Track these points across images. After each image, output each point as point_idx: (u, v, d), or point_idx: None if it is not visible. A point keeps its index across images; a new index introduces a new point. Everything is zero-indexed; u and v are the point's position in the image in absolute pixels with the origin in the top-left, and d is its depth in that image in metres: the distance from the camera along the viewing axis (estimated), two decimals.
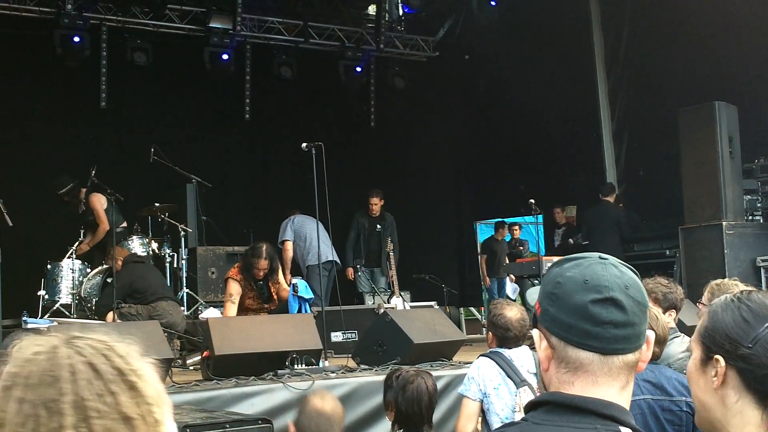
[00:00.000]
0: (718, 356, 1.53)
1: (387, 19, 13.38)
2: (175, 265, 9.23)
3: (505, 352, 4.28)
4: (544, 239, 12.11)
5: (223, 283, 7.73)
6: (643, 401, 3.17)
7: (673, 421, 3.19)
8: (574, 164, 12.31)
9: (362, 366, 6.05)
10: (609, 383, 1.42)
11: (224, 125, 12.44)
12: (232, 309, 7.19)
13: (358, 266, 10.43)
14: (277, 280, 7.50)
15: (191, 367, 6.38)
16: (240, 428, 4.04)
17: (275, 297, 7.46)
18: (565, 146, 12.27)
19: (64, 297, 8.51)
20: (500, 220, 12.84)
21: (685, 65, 10.26)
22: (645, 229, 10.64)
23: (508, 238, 12.81)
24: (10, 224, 7.31)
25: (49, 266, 8.60)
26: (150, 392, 1.08)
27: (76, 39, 10.76)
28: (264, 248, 7.30)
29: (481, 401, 4.22)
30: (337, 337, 7.22)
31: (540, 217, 9.82)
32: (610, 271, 1.44)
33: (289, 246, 9.63)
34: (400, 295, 9.49)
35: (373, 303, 9.18)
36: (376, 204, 10.45)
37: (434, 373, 4.43)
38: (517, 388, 4.14)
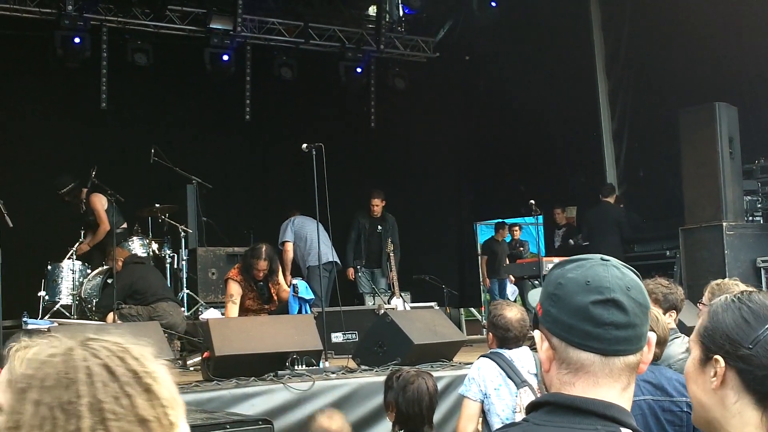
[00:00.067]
0: (717, 356, 1.53)
1: (387, 19, 13.38)
2: (175, 266, 9.24)
3: (506, 352, 4.28)
4: (544, 240, 12.10)
5: (224, 283, 7.73)
6: (644, 402, 3.17)
7: (673, 422, 3.19)
8: (575, 165, 12.30)
9: (362, 367, 6.04)
10: (610, 384, 1.42)
11: (225, 126, 12.44)
12: (233, 309, 7.19)
13: (359, 267, 10.44)
14: (277, 281, 7.51)
15: (191, 368, 6.37)
16: (240, 429, 4.04)
17: (275, 298, 7.46)
18: (565, 147, 12.27)
19: (65, 298, 8.51)
20: (500, 220, 12.84)
21: (685, 65, 10.26)
22: (645, 229, 10.64)
23: (508, 239, 12.81)
24: (11, 225, 7.31)
25: (49, 267, 8.60)
26: (165, 394, 1.09)
27: (77, 40, 10.76)
28: (263, 249, 7.31)
29: (482, 402, 4.21)
30: (337, 337, 7.22)
31: (540, 217, 9.82)
32: (612, 272, 1.44)
33: (289, 247, 9.63)
34: (401, 295, 9.50)
35: (374, 304, 9.18)
36: (378, 205, 10.45)
37: (435, 374, 4.43)
38: (518, 389, 4.14)
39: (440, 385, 4.83)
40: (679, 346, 3.74)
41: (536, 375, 4.21)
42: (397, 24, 13.54)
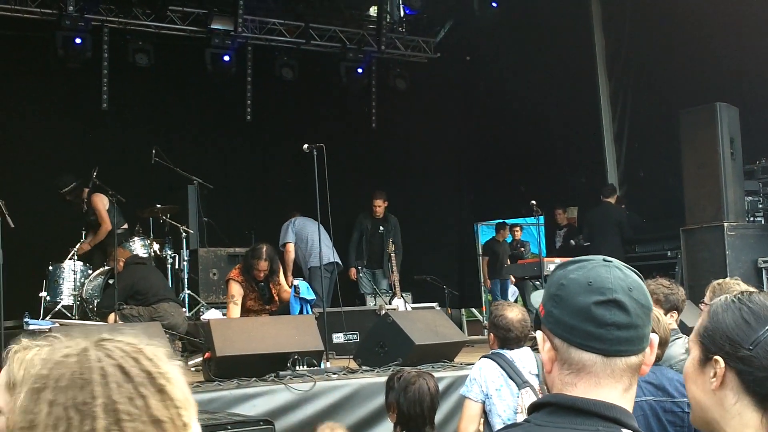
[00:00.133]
0: (717, 357, 1.53)
1: (388, 20, 13.39)
2: (176, 267, 9.25)
3: (507, 353, 4.28)
4: (545, 240, 12.10)
5: (225, 284, 7.74)
6: (645, 402, 3.18)
7: (675, 423, 3.20)
8: (575, 165, 12.30)
9: (364, 367, 6.05)
10: (612, 385, 1.42)
11: (225, 127, 12.45)
12: (235, 310, 7.20)
13: (360, 267, 10.44)
14: (278, 282, 7.51)
15: (193, 369, 6.37)
16: (242, 429, 4.05)
17: (277, 298, 7.47)
18: (566, 147, 12.26)
19: (66, 298, 8.52)
20: (501, 221, 12.84)
21: (686, 66, 10.25)
22: (646, 230, 10.63)
23: (509, 240, 12.81)
24: (12, 225, 7.31)
25: (50, 267, 8.60)
26: (178, 395, 1.09)
27: (78, 40, 10.76)
28: (264, 249, 7.31)
29: (483, 402, 4.21)
30: (338, 338, 7.23)
31: (541, 218, 9.82)
32: (614, 273, 1.45)
33: (290, 248, 9.63)
34: (402, 296, 9.50)
35: (375, 304, 9.18)
36: (380, 206, 10.46)
37: (436, 375, 4.43)
38: (519, 390, 4.14)
39: (441, 386, 4.83)
40: (680, 346, 3.73)
41: (537, 375, 4.21)
42: (397, 24, 13.54)
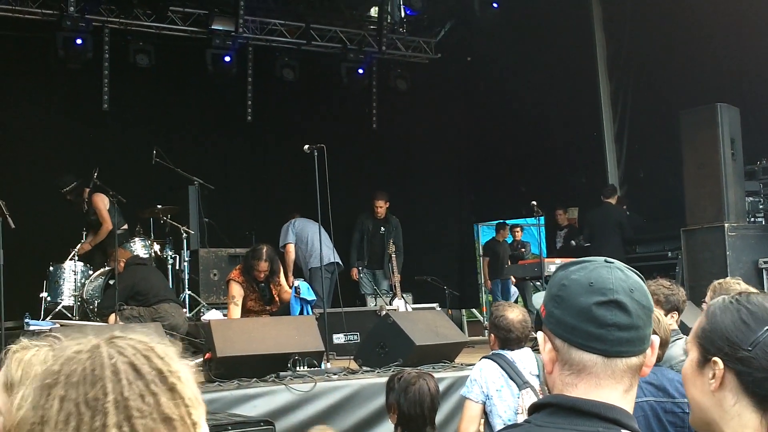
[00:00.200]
0: (716, 358, 1.53)
1: (389, 21, 13.39)
2: (177, 267, 9.25)
3: (508, 353, 4.28)
4: (546, 241, 12.11)
5: (225, 285, 7.74)
6: (646, 403, 3.18)
7: (675, 423, 3.20)
8: (576, 166, 12.29)
9: (364, 368, 6.05)
10: (612, 386, 1.43)
11: (226, 127, 12.45)
12: (235, 311, 7.21)
13: (360, 268, 10.44)
14: (279, 282, 7.52)
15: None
16: (242, 430, 4.05)
17: (277, 299, 7.47)
18: (566, 148, 12.26)
19: (67, 299, 8.52)
20: (501, 221, 12.83)
21: (686, 66, 10.25)
22: (647, 230, 10.63)
23: (509, 240, 12.81)
24: (12, 226, 7.32)
25: (51, 268, 8.61)
26: (188, 394, 1.10)
27: (79, 41, 10.77)
28: (264, 250, 7.32)
29: (484, 403, 4.21)
30: (339, 339, 7.23)
31: (542, 218, 9.82)
32: (616, 274, 1.45)
33: (291, 249, 9.63)
34: (402, 297, 9.50)
35: (375, 305, 9.19)
36: (381, 206, 10.46)
37: (436, 375, 4.43)
38: (520, 390, 4.13)
39: (442, 387, 4.84)
40: (680, 347, 3.73)
41: (538, 376, 4.20)
42: (398, 25, 13.54)
